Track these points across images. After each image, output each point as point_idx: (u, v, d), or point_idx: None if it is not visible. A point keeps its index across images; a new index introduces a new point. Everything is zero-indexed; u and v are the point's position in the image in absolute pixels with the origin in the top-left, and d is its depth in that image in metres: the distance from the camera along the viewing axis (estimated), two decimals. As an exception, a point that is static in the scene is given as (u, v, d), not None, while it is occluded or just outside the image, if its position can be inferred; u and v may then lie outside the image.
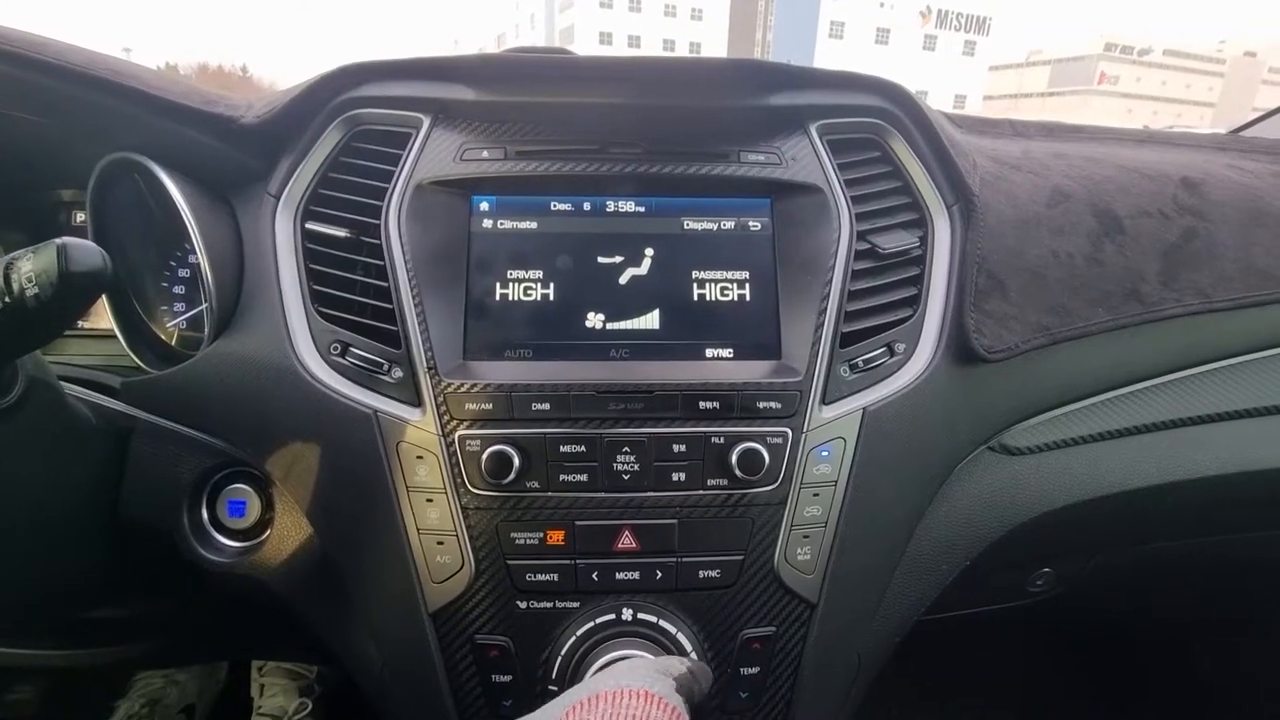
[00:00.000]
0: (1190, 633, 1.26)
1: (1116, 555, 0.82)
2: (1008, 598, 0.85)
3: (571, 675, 0.54)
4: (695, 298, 0.61)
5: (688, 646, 0.56)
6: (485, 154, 0.60)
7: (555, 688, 0.55)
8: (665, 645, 0.55)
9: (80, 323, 0.77)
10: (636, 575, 0.56)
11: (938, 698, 1.41)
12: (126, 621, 0.83)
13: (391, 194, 0.59)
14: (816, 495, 0.57)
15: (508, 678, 0.57)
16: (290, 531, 0.61)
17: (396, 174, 0.60)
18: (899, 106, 0.65)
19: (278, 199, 0.61)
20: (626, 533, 0.56)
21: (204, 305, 0.60)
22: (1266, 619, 1.14)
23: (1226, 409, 0.69)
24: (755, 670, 0.58)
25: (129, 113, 0.60)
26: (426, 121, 0.61)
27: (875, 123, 0.65)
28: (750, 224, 0.63)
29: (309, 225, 0.60)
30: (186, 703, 1.26)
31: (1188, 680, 1.29)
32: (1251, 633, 1.19)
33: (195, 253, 0.59)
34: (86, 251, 0.42)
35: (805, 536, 0.57)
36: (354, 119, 0.62)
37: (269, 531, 0.62)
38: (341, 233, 0.60)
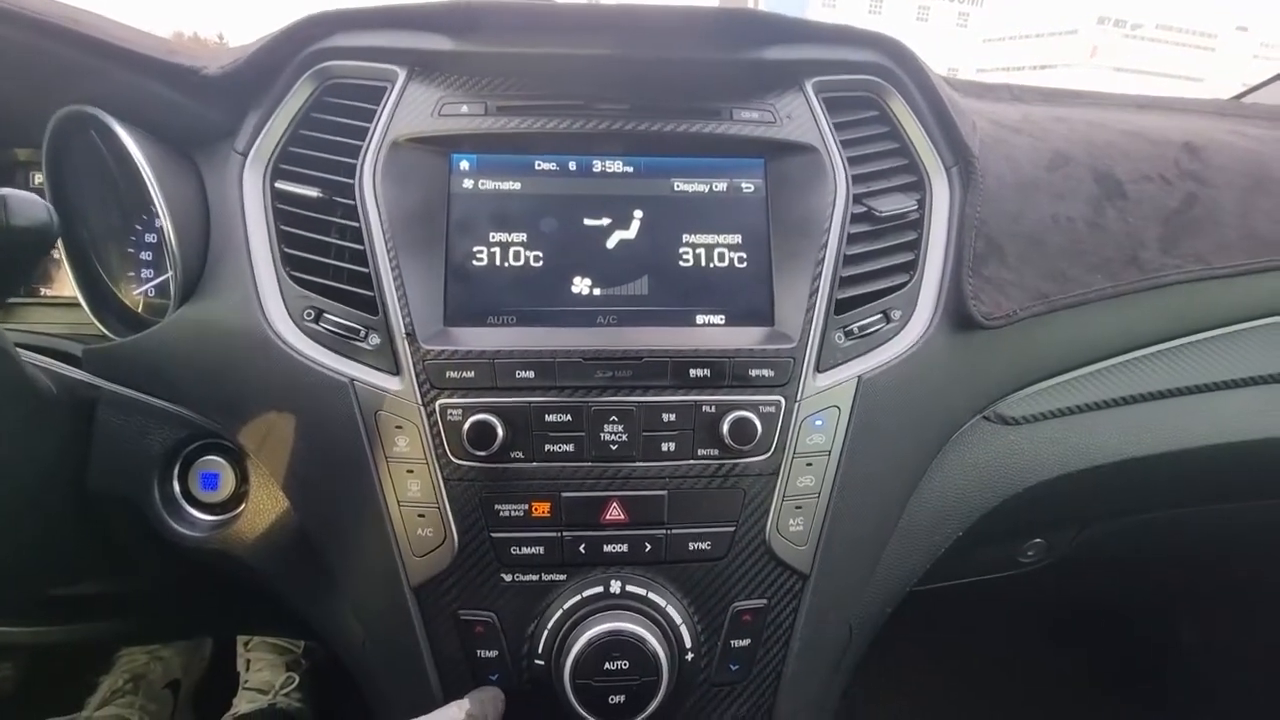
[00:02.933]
0: (1178, 602, 1.28)
1: (1108, 525, 0.81)
2: (998, 568, 0.85)
3: (558, 650, 0.53)
4: (685, 262, 0.59)
5: (677, 619, 0.54)
6: (465, 109, 0.57)
7: (541, 662, 0.54)
8: (654, 618, 0.54)
9: (43, 289, 0.74)
10: (625, 547, 0.55)
11: (926, 667, 1.43)
12: (105, 597, 0.81)
13: (366, 152, 0.56)
14: (810, 465, 0.56)
15: (493, 653, 0.55)
16: (266, 505, 0.59)
17: (371, 130, 0.57)
18: (898, 64, 0.62)
19: (245, 157, 0.58)
20: (614, 504, 0.55)
21: (168, 268, 0.57)
22: (1255, 588, 1.16)
23: (1225, 378, 0.68)
24: (746, 642, 0.57)
25: (84, 63, 0.56)
26: (402, 74, 0.58)
27: (873, 80, 0.62)
28: (743, 185, 0.60)
29: (279, 185, 0.57)
30: (171, 678, 1.25)
31: (1174, 650, 1.31)
32: (1239, 602, 1.20)
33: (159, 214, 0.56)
34: (29, 204, 0.39)
35: (798, 508, 0.56)
36: (325, 72, 0.58)
37: (244, 505, 0.60)
38: (314, 193, 0.57)
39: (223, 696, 1.22)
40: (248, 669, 1.24)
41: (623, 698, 0.51)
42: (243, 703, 1.19)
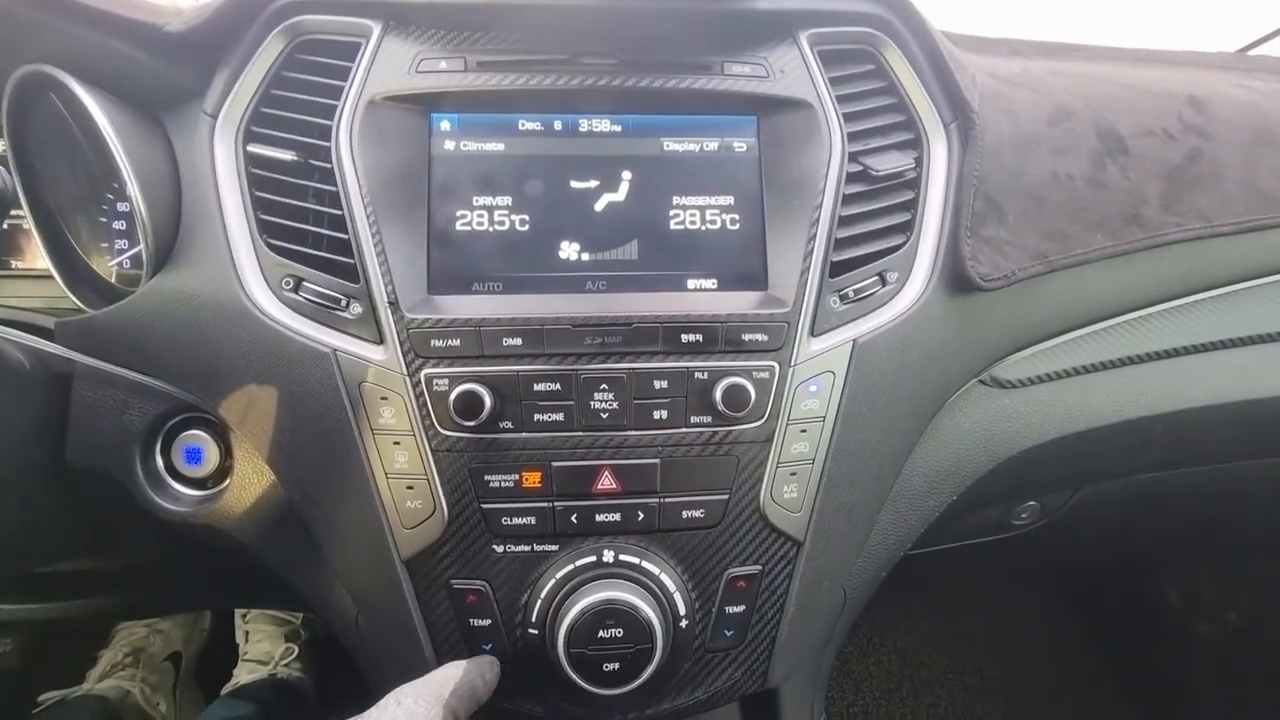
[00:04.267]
0: (1170, 562, 1.29)
1: (1103, 487, 0.81)
2: (991, 531, 0.85)
3: (552, 619, 0.53)
4: (676, 225, 0.57)
5: (671, 587, 0.54)
6: (443, 65, 0.55)
7: (535, 631, 0.54)
8: (648, 586, 0.53)
9: (15, 262, 0.72)
10: (617, 517, 0.54)
11: (919, 628, 1.45)
12: (98, 573, 0.81)
13: (341, 111, 0.54)
14: (804, 432, 0.55)
15: (486, 622, 0.55)
16: (252, 479, 0.58)
17: (346, 89, 0.54)
18: (896, 15, 0.60)
19: (215, 119, 0.56)
20: (606, 473, 0.54)
21: (140, 236, 0.55)
22: (1249, 547, 1.17)
23: (1221, 338, 0.68)
24: (741, 609, 0.57)
25: (38, 19, 0.53)
26: (377, 29, 0.55)
27: (870, 32, 0.60)
28: (735, 144, 0.58)
29: (252, 148, 0.55)
30: (172, 650, 1.26)
31: (1165, 608, 1.33)
32: (1232, 561, 1.22)
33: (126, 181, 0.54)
34: None
35: (792, 474, 0.56)
36: (296, 27, 0.56)
37: (229, 479, 0.59)
38: (288, 155, 0.55)
39: (223, 668, 1.23)
40: (247, 640, 1.25)
41: (617, 665, 0.51)
42: (243, 674, 1.20)
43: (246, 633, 1.26)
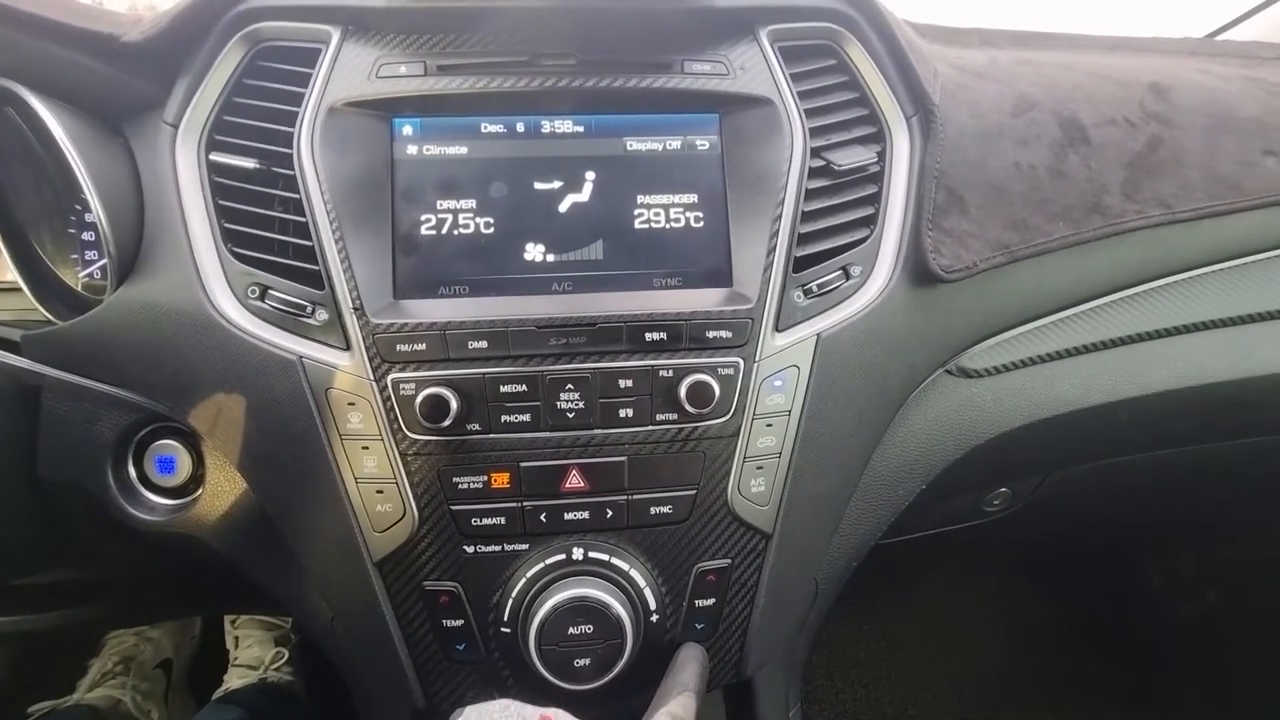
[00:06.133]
0: (1142, 542, 1.31)
1: (1072, 472, 0.83)
2: (964, 518, 0.86)
3: (523, 617, 0.53)
4: (640, 224, 0.57)
5: (641, 582, 0.55)
6: (403, 70, 0.55)
7: (508, 630, 0.54)
8: (617, 582, 0.54)
9: (-19, 276, 0.71)
10: (586, 515, 0.55)
11: (905, 615, 1.47)
12: (80, 583, 0.81)
13: (302, 119, 0.54)
14: (770, 426, 0.56)
15: (459, 622, 0.56)
16: (224, 487, 0.58)
17: (306, 96, 0.54)
18: (857, 9, 0.60)
19: (176, 128, 0.56)
20: (574, 472, 0.54)
21: (104, 249, 0.55)
22: (1218, 528, 1.19)
23: (1181, 323, 0.68)
24: (711, 602, 0.58)
25: None
26: (336, 35, 0.55)
27: (831, 28, 0.60)
28: (698, 143, 0.58)
29: (214, 157, 0.55)
30: (163, 657, 1.26)
31: (1144, 588, 1.35)
32: (1196, 540, 1.24)
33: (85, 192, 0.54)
34: None
35: (759, 468, 0.56)
36: (255, 34, 0.56)
37: (202, 488, 0.59)
38: (251, 164, 0.55)
39: (215, 674, 1.23)
40: (237, 646, 1.25)
41: (588, 661, 0.52)
42: (233, 679, 1.20)
43: (236, 638, 1.26)
